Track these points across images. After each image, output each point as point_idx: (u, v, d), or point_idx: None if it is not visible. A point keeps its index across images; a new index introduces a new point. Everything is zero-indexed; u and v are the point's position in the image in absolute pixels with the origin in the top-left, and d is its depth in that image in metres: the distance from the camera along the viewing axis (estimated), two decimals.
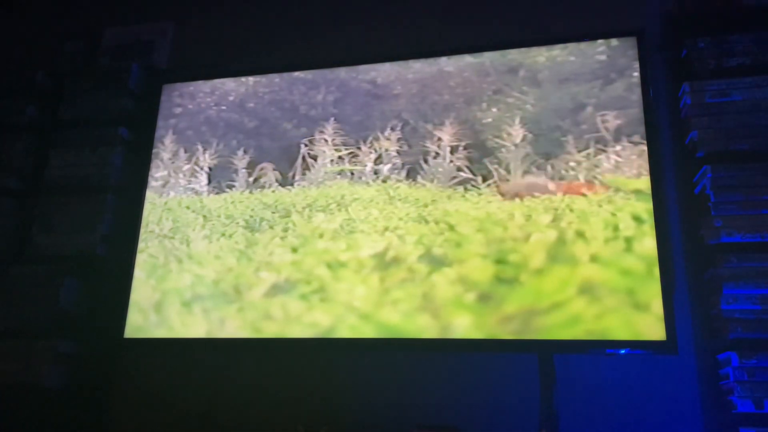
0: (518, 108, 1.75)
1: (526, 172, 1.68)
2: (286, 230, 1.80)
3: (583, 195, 1.59)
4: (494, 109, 1.77)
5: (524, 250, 1.59)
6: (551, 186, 1.63)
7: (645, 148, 1.61)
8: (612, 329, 1.47)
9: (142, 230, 1.94)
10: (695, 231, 1.57)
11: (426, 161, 1.77)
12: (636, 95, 1.67)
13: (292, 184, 1.86)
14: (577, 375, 1.65)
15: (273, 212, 1.84)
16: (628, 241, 1.54)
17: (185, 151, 2.01)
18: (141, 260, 1.90)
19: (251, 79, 2.03)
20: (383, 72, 1.91)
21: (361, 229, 1.73)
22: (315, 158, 1.87)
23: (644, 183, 1.59)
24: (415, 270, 1.64)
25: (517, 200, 1.65)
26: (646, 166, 1.60)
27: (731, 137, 1.57)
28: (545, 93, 1.74)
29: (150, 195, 1.98)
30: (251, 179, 1.91)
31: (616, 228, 1.56)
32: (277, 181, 1.88)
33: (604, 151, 1.64)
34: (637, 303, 1.48)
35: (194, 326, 1.76)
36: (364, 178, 1.81)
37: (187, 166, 1.99)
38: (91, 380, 1.93)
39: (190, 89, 2.09)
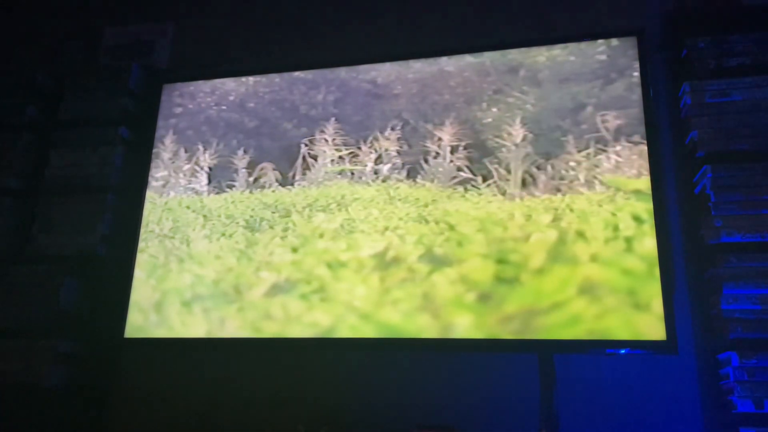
0: (518, 108, 1.75)
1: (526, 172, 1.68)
2: (286, 230, 1.80)
3: None
4: (494, 109, 1.77)
5: (524, 249, 1.59)
6: None
7: (645, 148, 1.61)
8: (612, 329, 1.47)
9: (142, 230, 1.94)
10: (695, 231, 1.57)
11: (426, 161, 1.77)
12: (636, 95, 1.67)
13: (292, 184, 1.86)
14: (577, 375, 1.65)
15: (273, 212, 1.84)
16: (628, 241, 1.54)
17: (185, 151, 2.01)
18: (141, 260, 1.90)
19: (251, 79, 2.03)
20: (383, 72, 1.91)
21: (361, 229, 1.73)
22: (315, 158, 1.87)
23: (644, 183, 1.59)
24: (416, 270, 1.64)
25: (517, 200, 1.65)
26: (646, 166, 1.60)
27: (731, 137, 1.57)
28: (545, 93, 1.75)
29: (150, 195, 1.98)
30: (251, 179, 1.91)
31: (616, 228, 1.56)
32: (277, 180, 1.88)
33: (604, 151, 1.64)
34: (637, 303, 1.48)
35: (194, 326, 1.76)
36: (364, 178, 1.81)
37: (187, 166, 1.99)
38: (91, 380, 1.93)
39: (190, 89, 2.09)
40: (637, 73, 1.69)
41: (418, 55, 1.90)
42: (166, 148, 2.03)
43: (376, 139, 1.84)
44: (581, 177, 1.64)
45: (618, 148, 1.64)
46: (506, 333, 1.53)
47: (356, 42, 2.16)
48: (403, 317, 1.61)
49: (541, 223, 1.61)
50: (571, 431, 1.54)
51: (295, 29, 2.27)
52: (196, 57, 2.27)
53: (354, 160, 1.84)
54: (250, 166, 1.92)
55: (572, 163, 1.66)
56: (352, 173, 1.82)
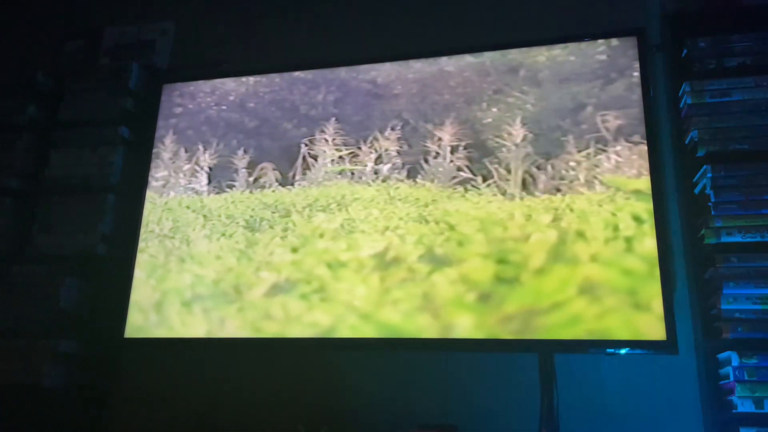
0: (519, 108, 1.75)
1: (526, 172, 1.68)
2: (286, 230, 1.80)
3: None
4: (494, 109, 1.77)
5: (524, 249, 1.59)
6: None
7: (645, 148, 1.61)
8: (612, 329, 1.47)
9: (142, 230, 1.94)
10: (695, 231, 1.57)
11: (426, 161, 1.77)
12: (636, 95, 1.67)
13: (292, 184, 1.86)
14: (578, 375, 1.65)
15: (273, 212, 1.84)
16: (629, 240, 1.54)
17: (185, 151, 2.01)
18: (141, 260, 1.89)
19: (251, 79, 2.03)
20: (383, 72, 1.91)
21: (361, 229, 1.73)
22: (315, 158, 1.87)
23: (644, 183, 1.59)
24: (416, 270, 1.64)
25: (517, 200, 1.65)
26: (646, 166, 1.60)
27: (731, 137, 1.57)
28: (545, 93, 1.75)
29: (150, 195, 1.98)
30: (251, 179, 1.91)
31: (616, 228, 1.56)
32: (277, 180, 1.88)
33: (605, 151, 1.64)
34: (637, 303, 1.48)
35: (194, 326, 1.76)
36: (364, 178, 1.81)
37: (187, 166, 1.99)
38: (91, 380, 1.93)
39: (190, 89, 2.09)
40: (637, 73, 1.69)
41: (418, 55, 1.90)
42: (166, 148, 2.03)
43: (376, 139, 1.84)
44: (581, 177, 1.64)
45: (618, 148, 1.64)
46: (506, 333, 1.53)
47: (356, 42, 2.16)
48: (403, 317, 1.61)
49: (541, 223, 1.61)
50: (571, 431, 1.54)
51: (295, 29, 2.27)
52: (196, 57, 2.28)
53: (354, 160, 1.84)
54: (250, 166, 1.92)
55: (572, 163, 1.66)
56: (352, 173, 1.82)
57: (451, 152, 1.76)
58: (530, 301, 1.54)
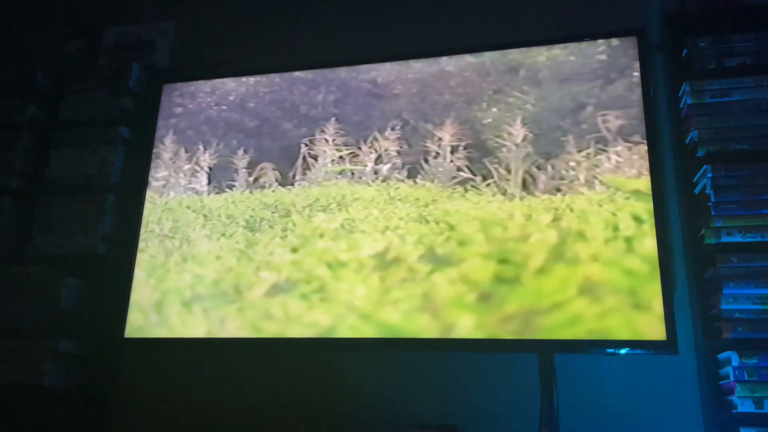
0: (519, 108, 1.75)
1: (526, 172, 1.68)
2: (286, 230, 1.80)
3: None
4: (494, 109, 1.77)
5: (525, 249, 1.59)
6: None
7: (645, 148, 1.61)
8: (612, 329, 1.47)
9: (142, 230, 1.94)
10: (695, 231, 1.57)
11: (426, 161, 1.77)
12: (636, 95, 1.67)
13: (292, 184, 1.86)
14: (578, 375, 1.65)
15: (273, 212, 1.84)
16: (629, 241, 1.54)
17: (186, 151, 2.01)
18: (141, 260, 1.89)
19: (251, 79, 2.03)
20: (383, 72, 1.91)
21: (361, 229, 1.73)
22: (315, 158, 1.87)
23: (644, 183, 1.59)
24: (416, 270, 1.64)
25: (517, 200, 1.65)
26: (646, 166, 1.60)
27: (731, 137, 1.57)
28: (546, 93, 1.75)
29: (150, 195, 1.98)
30: (251, 179, 1.91)
31: (616, 228, 1.56)
32: (277, 180, 1.88)
33: (605, 151, 1.64)
34: (637, 303, 1.48)
35: (194, 326, 1.76)
36: (364, 178, 1.81)
37: (187, 166, 1.99)
38: (91, 380, 1.93)
39: (190, 89, 2.09)
40: (637, 73, 1.69)
41: (418, 55, 1.90)
42: (166, 148, 2.03)
43: (376, 139, 1.84)
44: (581, 177, 1.64)
45: (618, 148, 1.64)
46: (506, 333, 1.53)
47: (356, 42, 2.16)
48: (404, 317, 1.61)
49: (542, 223, 1.61)
50: (571, 431, 1.54)
51: (295, 29, 2.27)
52: (196, 57, 2.28)
53: (354, 160, 1.84)
54: (250, 166, 1.92)
55: (572, 163, 1.66)
56: (353, 173, 1.82)
57: (451, 152, 1.76)
58: (530, 301, 1.54)
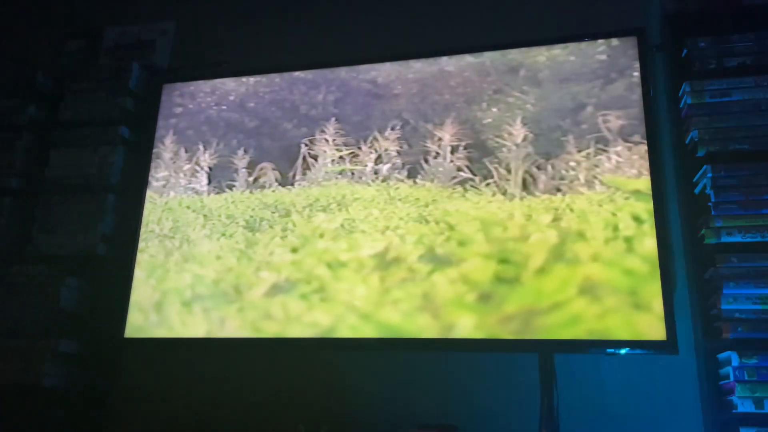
0: (519, 108, 1.75)
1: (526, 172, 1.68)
2: (286, 230, 1.80)
3: None
4: (494, 109, 1.77)
5: (525, 249, 1.59)
6: None
7: (645, 148, 1.61)
8: (612, 329, 1.47)
9: (142, 230, 1.94)
10: (695, 231, 1.57)
11: (426, 161, 1.77)
12: (636, 95, 1.67)
13: (292, 184, 1.86)
14: (578, 375, 1.65)
15: (273, 212, 1.84)
16: (629, 241, 1.54)
17: (186, 151, 2.01)
18: (141, 260, 1.89)
19: (251, 79, 2.03)
20: (383, 72, 1.91)
21: (361, 229, 1.73)
22: (315, 158, 1.87)
23: (644, 183, 1.59)
24: (416, 270, 1.64)
25: (517, 200, 1.65)
26: (646, 166, 1.60)
27: (731, 137, 1.57)
28: (546, 93, 1.75)
29: (150, 195, 1.98)
30: (251, 179, 1.91)
31: (616, 228, 1.56)
32: (277, 180, 1.88)
33: (605, 151, 1.64)
34: (637, 303, 1.48)
35: (194, 326, 1.76)
36: (364, 178, 1.81)
37: (187, 166, 1.99)
38: (91, 380, 1.93)
39: (190, 89, 2.09)
40: (637, 73, 1.69)
41: (418, 55, 1.90)
42: (166, 148, 2.03)
43: (376, 139, 1.84)
44: (581, 177, 1.64)
45: (618, 148, 1.64)
46: (506, 333, 1.53)
47: (356, 42, 2.16)
48: (404, 317, 1.61)
49: (542, 223, 1.61)
50: (571, 431, 1.54)
51: (295, 29, 2.27)
52: (196, 57, 2.27)
53: (354, 160, 1.84)
54: (250, 166, 1.92)
55: (572, 163, 1.66)
56: (353, 173, 1.82)
57: (451, 152, 1.76)
58: (530, 301, 1.54)
